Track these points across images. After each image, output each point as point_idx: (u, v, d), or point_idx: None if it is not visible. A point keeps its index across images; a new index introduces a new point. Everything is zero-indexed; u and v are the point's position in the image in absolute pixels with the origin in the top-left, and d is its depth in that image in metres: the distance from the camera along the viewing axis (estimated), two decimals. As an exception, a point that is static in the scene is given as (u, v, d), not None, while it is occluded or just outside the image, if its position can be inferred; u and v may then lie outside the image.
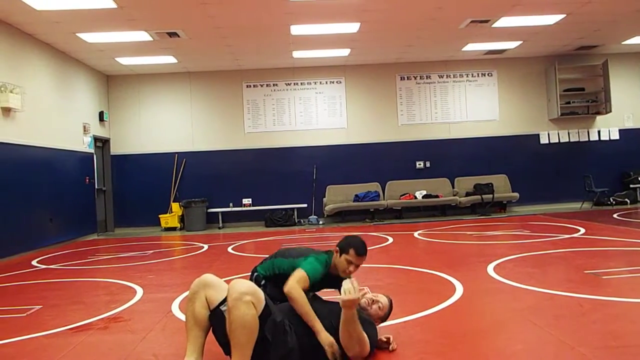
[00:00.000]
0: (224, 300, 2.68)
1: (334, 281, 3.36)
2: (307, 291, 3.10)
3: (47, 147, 9.16)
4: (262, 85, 12.17)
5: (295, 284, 3.02)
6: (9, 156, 8.05)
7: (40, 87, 9.13)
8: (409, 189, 11.92)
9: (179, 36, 9.16)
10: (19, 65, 8.50)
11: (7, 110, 7.99)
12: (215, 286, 2.81)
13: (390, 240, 8.07)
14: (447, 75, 12.36)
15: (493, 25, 9.50)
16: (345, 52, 10.96)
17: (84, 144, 10.68)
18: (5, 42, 8.15)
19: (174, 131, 12.08)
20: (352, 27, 9.19)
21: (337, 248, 3.31)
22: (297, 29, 9.15)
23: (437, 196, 11.74)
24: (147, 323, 3.87)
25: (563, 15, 9.13)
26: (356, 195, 11.70)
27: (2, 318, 4.31)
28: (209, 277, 2.87)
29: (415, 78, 12.34)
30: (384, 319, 3.23)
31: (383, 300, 3.20)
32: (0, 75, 7.92)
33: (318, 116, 12.13)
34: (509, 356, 2.93)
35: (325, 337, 2.83)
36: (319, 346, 2.80)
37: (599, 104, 12.27)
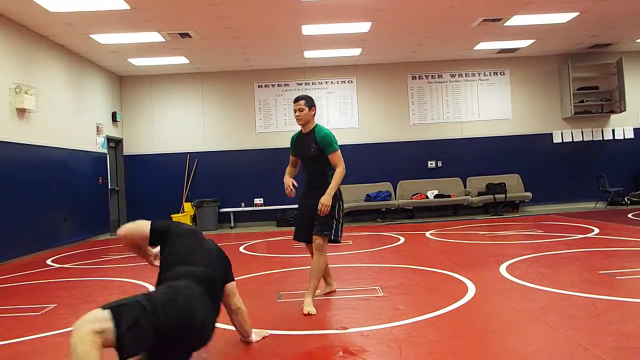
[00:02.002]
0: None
1: (305, 138, 4.40)
2: (300, 154, 4.49)
3: (61, 147, 9.25)
4: (273, 85, 12.19)
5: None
6: (24, 156, 8.14)
7: (54, 88, 9.23)
8: (421, 188, 11.88)
9: (190, 37, 9.21)
10: (33, 66, 8.60)
11: (22, 111, 8.08)
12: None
13: (402, 240, 8.04)
14: (459, 75, 12.29)
15: (505, 24, 9.44)
16: (356, 51, 10.94)
17: (97, 145, 10.77)
18: (20, 44, 8.25)
19: (186, 131, 12.14)
20: (364, 27, 9.18)
21: None
22: (308, 29, 9.16)
23: (449, 196, 11.69)
24: (160, 322, 3.89)
25: (576, 13, 9.04)
26: (367, 195, 11.68)
27: (17, 316, 4.36)
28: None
29: (426, 77, 12.29)
30: None
31: None
32: (15, 77, 8.02)
33: (329, 116, 12.13)
34: (522, 357, 2.91)
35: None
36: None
37: (613, 102, 12.14)
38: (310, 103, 4.36)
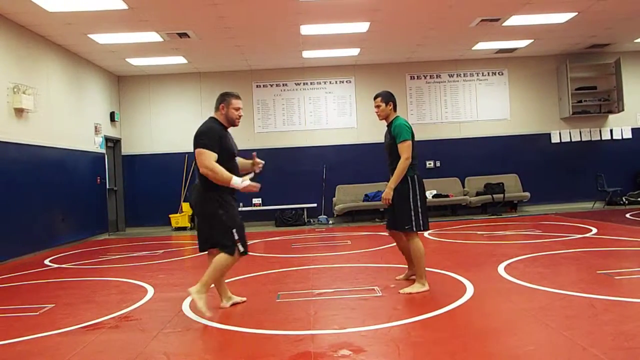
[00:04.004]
0: None
1: (387, 130, 4.70)
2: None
3: (59, 147, 9.23)
4: (272, 85, 12.19)
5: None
6: (22, 156, 8.12)
7: (53, 88, 9.21)
8: (419, 188, 11.86)
9: (189, 37, 9.20)
10: (31, 66, 8.58)
11: (20, 111, 8.07)
12: None
13: (401, 240, 8.03)
14: (457, 75, 12.30)
15: (504, 24, 9.45)
16: (355, 51, 10.95)
17: (95, 144, 10.76)
18: (18, 44, 8.23)
19: (184, 131, 12.08)
20: (362, 27, 9.18)
21: None
22: (306, 29, 9.15)
23: (447, 196, 11.70)
24: (158, 322, 3.89)
25: (574, 14, 9.05)
26: (366, 195, 11.68)
27: (15, 316, 4.35)
28: None
29: (425, 77, 12.29)
30: None
31: None
32: (13, 77, 8.01)
33: (328, 116, 12.13)
34: (520, 357, 2.91)
35: None
36: None
37: (612, 102, 12.15)
38: (386, 99, 4.62)
